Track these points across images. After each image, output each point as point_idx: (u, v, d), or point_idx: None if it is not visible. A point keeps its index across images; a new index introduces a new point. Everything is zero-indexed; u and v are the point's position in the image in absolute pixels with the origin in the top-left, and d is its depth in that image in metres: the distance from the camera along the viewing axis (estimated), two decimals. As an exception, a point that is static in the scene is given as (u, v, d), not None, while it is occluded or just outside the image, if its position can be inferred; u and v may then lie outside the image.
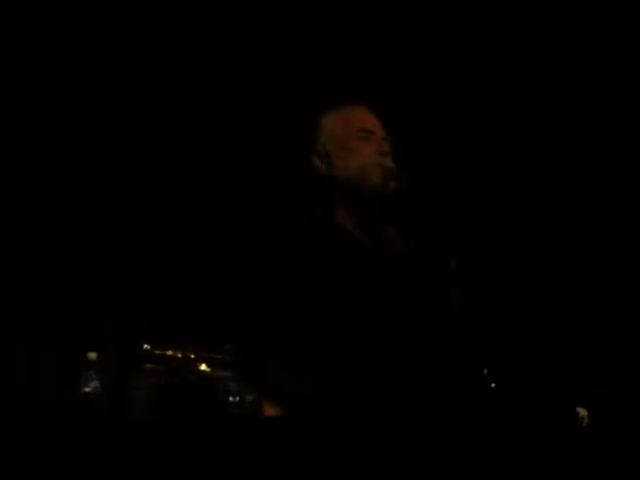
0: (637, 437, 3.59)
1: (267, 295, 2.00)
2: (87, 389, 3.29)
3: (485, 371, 2.00)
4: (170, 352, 3.60)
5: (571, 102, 4.20)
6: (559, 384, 3.89)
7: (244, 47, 4.22)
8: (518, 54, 4.17)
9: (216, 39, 4.16)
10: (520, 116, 4.28)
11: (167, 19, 4.03)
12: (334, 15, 4.16)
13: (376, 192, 2.09)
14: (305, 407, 1.89)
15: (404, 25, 4.22)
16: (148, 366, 3.56)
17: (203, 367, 3.56)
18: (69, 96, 4.18)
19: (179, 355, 3.59)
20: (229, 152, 4.33)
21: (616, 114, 4.18)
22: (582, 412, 3.50)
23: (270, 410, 2.18)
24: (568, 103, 4.21)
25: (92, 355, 3.39)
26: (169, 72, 4.24)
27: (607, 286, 4.26)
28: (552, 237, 4.30)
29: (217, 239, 4.26)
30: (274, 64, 4.24)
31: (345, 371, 1.95)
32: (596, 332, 4.17)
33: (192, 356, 3.59)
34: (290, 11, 4.05)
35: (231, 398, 3.47)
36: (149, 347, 3.58)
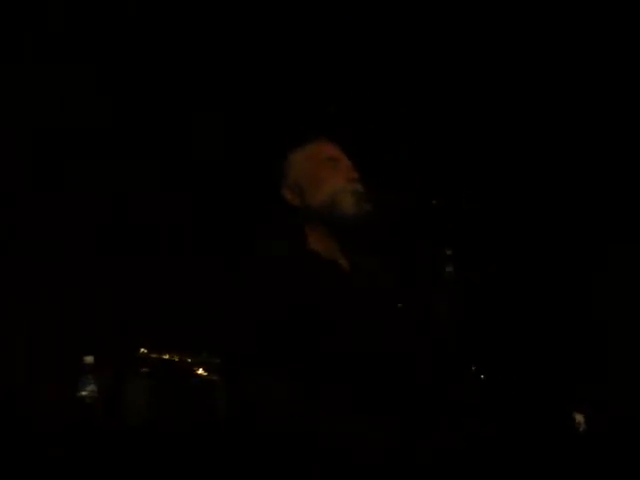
0: (637, 440, 3.59)
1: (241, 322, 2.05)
2: (84, 393, 3.30)
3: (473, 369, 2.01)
4: (167, 356, 3.62)
5: (571, 102, 4.20)
6: (556, 388, 3.89)
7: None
8: (518, 54, 4.17)
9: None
10: (520, 116, 4.28)
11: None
12: (334, 13, 4.16)
13: (349, 216, 2.19)
14: (279, 412, 1.94)
15: (405, 25, 4.21)
16: (145, 370, 3.57)
17: (200, 371, 3.56)
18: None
19: (176, 359, 3.60)
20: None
21: (616, 114, 4.17)
22: (578, 418, 3.48)
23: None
24: (568, 103, 4.21)
25: (89, 359, 3.40)
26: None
27: (607, 286, 4.25)
28: (551, 237, 4.29)
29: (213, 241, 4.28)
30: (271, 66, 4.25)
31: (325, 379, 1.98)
32: (596, 333, 4.16)
33: (189, 360, 3.60)
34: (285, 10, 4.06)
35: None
36: (146, 351, 3.59)
